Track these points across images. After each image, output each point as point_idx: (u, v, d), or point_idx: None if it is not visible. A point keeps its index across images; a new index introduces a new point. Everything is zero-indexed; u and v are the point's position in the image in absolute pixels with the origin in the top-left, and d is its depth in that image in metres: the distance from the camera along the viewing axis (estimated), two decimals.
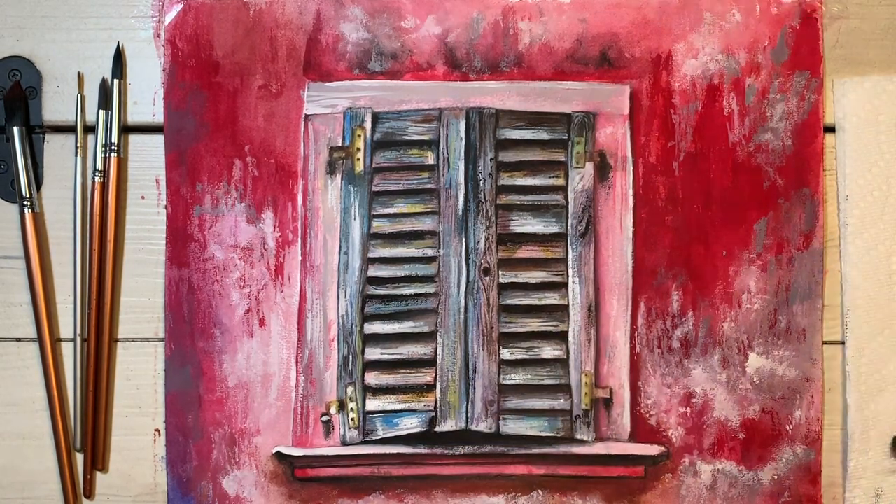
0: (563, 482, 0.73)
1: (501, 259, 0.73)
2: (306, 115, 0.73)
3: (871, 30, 0.73)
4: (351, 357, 0.73)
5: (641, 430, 0.73)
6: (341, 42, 0.73)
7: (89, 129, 0.72)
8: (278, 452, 0.72)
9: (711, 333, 0.73)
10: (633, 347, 0.73)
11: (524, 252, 0.73)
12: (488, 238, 0.73)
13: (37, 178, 0.73)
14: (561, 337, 0.73)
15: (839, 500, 0.73)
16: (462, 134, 0.73)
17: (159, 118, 0.73)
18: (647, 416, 0.73)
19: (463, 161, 0.73)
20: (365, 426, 0.73)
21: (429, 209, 0.73)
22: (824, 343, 0.73)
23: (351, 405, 0.73)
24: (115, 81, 0.72)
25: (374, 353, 0.73)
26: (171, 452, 0.73)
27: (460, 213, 0.73)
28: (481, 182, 0.73)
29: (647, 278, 0.73)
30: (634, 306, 0.73)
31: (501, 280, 0.73)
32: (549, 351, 0.73)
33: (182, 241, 0.73)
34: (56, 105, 0.73)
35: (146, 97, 0.73)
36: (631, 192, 0.73)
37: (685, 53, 0.73)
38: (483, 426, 0.72)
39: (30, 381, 0.73)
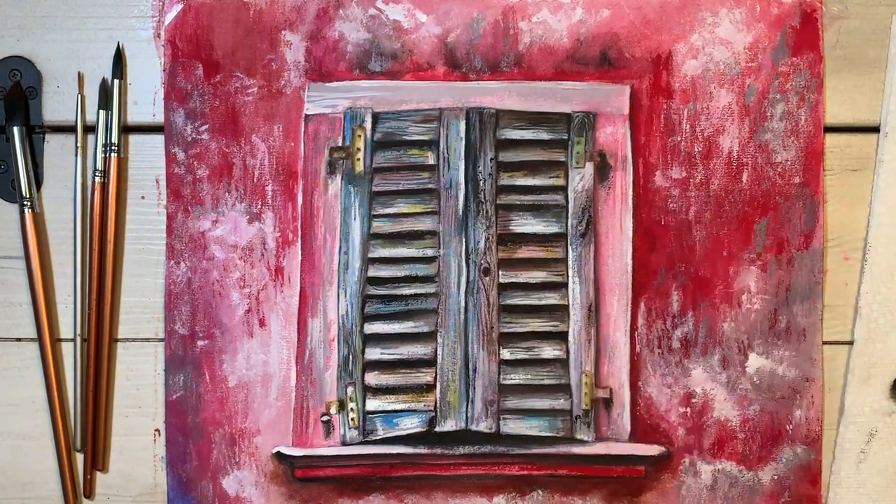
0: (563, 482, 0.73)
1: (501, 259, 0.73)
2: (306, 115, 0.73)
3: (871, 30, 0.73)
4: (351, 357, 0.73)
5: (641, 430, 0.73)
6: (341, 42, 0.73)
7: (89, 129, 0.72)
8: (278, 452, 0.72)
9: (711, 333, 0.73)
10: (633, 347, 0.73)
11: (524, 252, 0.73)
12: (488, 238, 0.73)
13: (37, 178, 0.73)
14: (561, 337, 0.73)
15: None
16: (462, 134, 0.73)
17: (159, 118, 0.73)
18: (647, 416, 0.73)
19: (463, 161, 0.73)
20: (365, 426, 0.73)
21: (429, 209, 0.73)
22: (824, 343, 0.73)
23: (351, 405, 0.73)
24: (115, 81, 0.72)
25: (374, 353, 0.73)
26: (171, 452, 0.73)
27: (460, 213, 0.73)
28: (481, 182, 0.73)
29: (647, 278, 0.73)
30: (634, 306, 0.73)
31: (501, 280, 0.73)
32: (549, 351, 0.73)
33: (182, 242, 0.73)
34: (56, 105, 0.73)
35: (146, 97, 0.73)
36: (631, 192, 0.73)
37: (685, 53, 0.73)
38: (483, 426, 0.72)
39: (30, 381, 0.73)
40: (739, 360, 0.73)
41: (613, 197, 0.73)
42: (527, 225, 0.73)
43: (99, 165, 0.72)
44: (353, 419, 0.73)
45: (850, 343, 0.73)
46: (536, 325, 0.73)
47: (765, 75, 0.73)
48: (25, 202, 0.71)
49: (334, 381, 0.73)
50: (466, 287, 0.72)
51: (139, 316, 0.73)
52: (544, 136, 0.73)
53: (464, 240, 0.73)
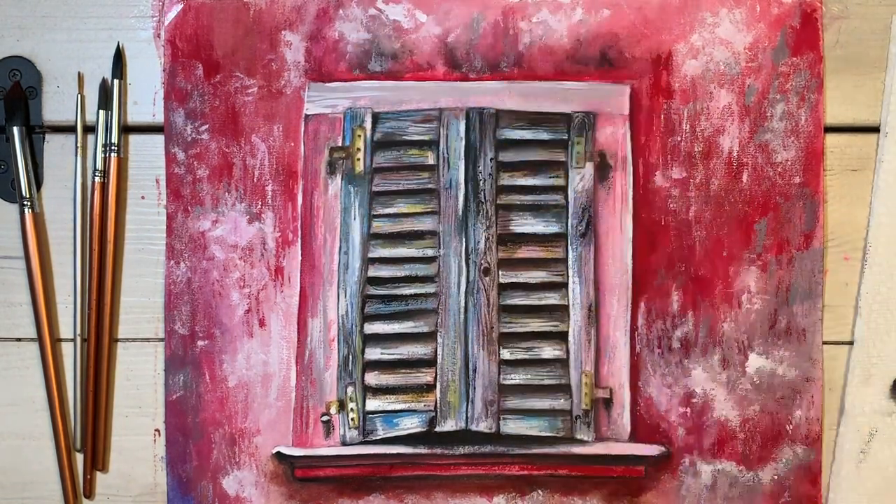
0: (563, 482, 0.73)
1: (501, 259, 0.73)
2: (306, 115, 0.73)
3: (871, 30, 0.73)
4: (351, 357, 0.73)
5: (641, 430, 0.73)
6: (341, 42, 0.73)
7: (89, 129, 0.72)
8: (278, 452, 0.72)
9: (711, 333, 0.73)
10: (633, 347, 0.73)
11: (524, 252, 0.73)
12: (488, 238, 0.73)
13: (37, 178, 0.73)
14: (561, 337, 0.73)
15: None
16: (462, 134, 0.73)
17: (159, 118, 0.73)
18: (647, 416, 0.73)
19: (463, 161, 0.73)
20: (365, 426, 0.73)
21: (429, 209, 0.73)
22: (824, 343, 0.73)
23: (351, 405, 0.73)
24: (115, 81, 0.72)
25: (374, 353, 0.73)
26: (171, 452, 0.73)
27: (460, 213, 0.73)
28: (481, 182, 0.73)
29: (647, 278, 0.73)
30: (634, 306, 0.73)
31: (501, 280, 0.73)
32: (549, 351, 0.73)
33: (182, 242, 0.73)
34: (56, 105, 0.73)
35: (146, 97, 0.73)
36: (631, 192, 0.73)
37: (685, 53, 0.73)
38: (483, 426, 0.72)
39: (30, 381, 0.73)
40: (739, 360, 0.73)
41: (613, 197, 0.73)
42: (527, 225, 0.73)
43: (99, 165, 0.72)
44: (353, 419, 0.73)
45: (850, 343, 0.73)
46: (536, 325, 0.73)
47: (765, 75, 0.73)
48: (25, 202, 0.71)
49: (334, 381, 0.73)
50: (466, 287, 0.72)
51: (139, 316, 0.73)
52: (544, 136, 0.73)
53: (464, 240, 0.73)
